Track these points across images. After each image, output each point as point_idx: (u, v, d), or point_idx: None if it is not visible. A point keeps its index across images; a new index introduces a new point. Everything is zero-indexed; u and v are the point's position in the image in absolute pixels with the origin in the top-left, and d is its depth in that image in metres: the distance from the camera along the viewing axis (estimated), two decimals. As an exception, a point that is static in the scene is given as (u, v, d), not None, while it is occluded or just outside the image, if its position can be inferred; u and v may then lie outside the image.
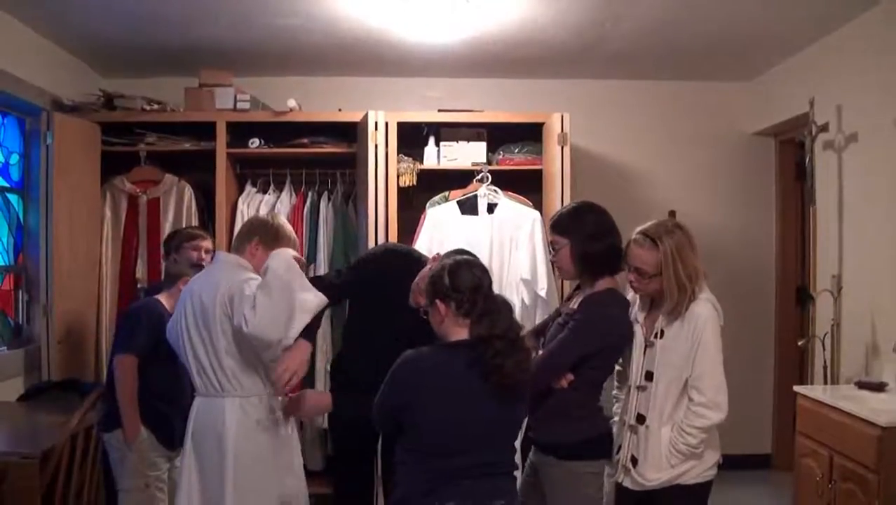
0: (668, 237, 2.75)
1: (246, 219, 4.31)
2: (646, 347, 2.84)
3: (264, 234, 2.96)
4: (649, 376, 2.80)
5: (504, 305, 2.44)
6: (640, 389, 2.82)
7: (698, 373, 2.70)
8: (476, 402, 2.35)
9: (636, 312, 2.93)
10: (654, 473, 2.75)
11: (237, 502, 2.75)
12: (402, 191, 4.74)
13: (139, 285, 4.70)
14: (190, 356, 2.85)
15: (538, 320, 4.07)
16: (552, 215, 3.03)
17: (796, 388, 3.91)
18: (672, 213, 5.43)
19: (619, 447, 2.90)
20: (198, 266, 3.62)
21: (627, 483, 2.83)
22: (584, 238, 2.81)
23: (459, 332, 2.43)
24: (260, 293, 2.69)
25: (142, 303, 3.59)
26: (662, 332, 2.79)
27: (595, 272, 2.85)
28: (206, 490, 2.82)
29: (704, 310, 2.73)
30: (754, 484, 5.11)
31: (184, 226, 4.74)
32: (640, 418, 2.80)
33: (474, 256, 2.68)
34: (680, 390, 2.75)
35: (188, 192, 4.88)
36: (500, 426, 2.44)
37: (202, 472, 2.83)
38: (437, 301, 2.46)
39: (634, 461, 2.79)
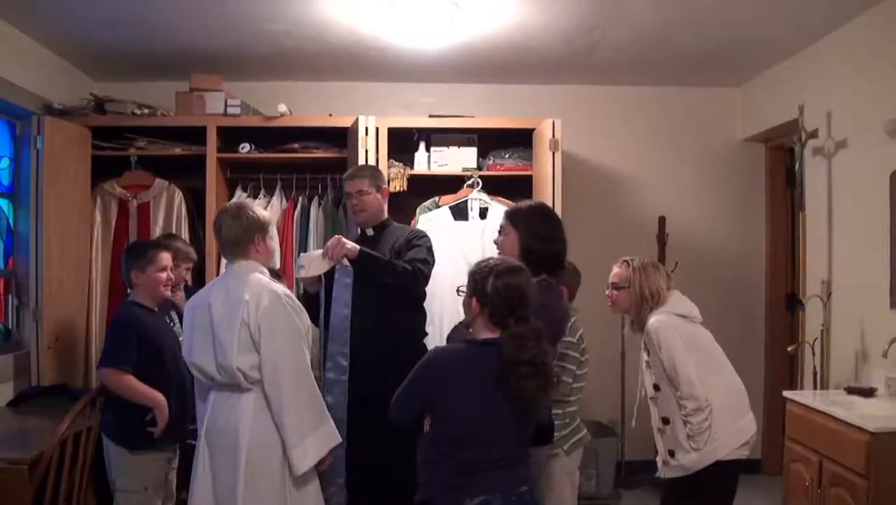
0: (638, 260, 3.38)
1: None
2: (646, 365, 3.37)
3: (260, 229, 3.03)
4: (657, 387, 3.30)
5: (535, 331, 2.48)
6: (654, 399, 3.34)
7: (670, 374, 3.18)
8: (498, 401, 2.43)
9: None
10: (687, 457, 3.17)
11: (249, 495, 2.79)
12: (392, 196, 4.72)
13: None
14: (205, 357, 2.89)
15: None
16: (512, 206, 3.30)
17: (786, 393, 3.93)
18: (661, 219, 5.46)
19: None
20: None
21: (670, 473, 3.27)
22: (532, 236, 3.03)
23: (489, 332, 2.52)
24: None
25: (128, 311, 3.46)
26: (649, 350, 3.33)
27: (535, 269, 2.88)
28: (219, 482, 2.86)
29: (655, 321, 3.24)
30: (743, 489, 5.04)
31: (174, 230, 4.73)
32: (665, 420, 3.27)
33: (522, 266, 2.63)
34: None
35: (178, 196, 4.87)
36: (518, 424, 2.52)
37: (215, 465, 2.88)
38: (474, 298, 2.53)
39: (672, 453, 3.23)
